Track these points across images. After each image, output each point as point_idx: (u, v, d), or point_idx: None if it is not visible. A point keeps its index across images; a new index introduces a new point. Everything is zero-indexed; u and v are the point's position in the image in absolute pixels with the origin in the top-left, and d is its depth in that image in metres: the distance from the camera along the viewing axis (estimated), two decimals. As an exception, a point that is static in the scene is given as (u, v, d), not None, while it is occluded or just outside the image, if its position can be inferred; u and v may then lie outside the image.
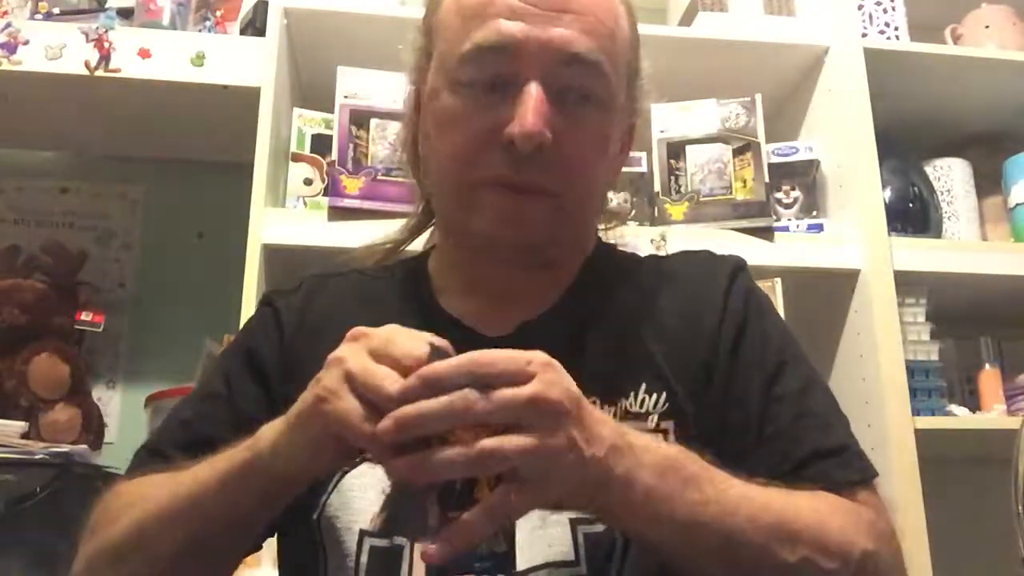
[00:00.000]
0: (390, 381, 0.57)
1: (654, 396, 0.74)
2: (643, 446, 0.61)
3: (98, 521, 0.73)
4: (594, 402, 0.72)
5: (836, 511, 0.68)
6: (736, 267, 0.82)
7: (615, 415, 0.73)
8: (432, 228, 0.91)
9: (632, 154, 1.55)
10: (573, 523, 0.69)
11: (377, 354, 0.59)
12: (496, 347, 0.71)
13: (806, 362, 0.79)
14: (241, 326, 0.92)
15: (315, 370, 0.63)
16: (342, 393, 0.58)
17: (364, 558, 0.70)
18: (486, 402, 0.55)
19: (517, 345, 0.69)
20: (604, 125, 0.76)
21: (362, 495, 0.71)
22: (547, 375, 0.57)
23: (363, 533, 0.71)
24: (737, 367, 0.76)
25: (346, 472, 0.73)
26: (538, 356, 0.58)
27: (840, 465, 0.73)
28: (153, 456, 0.78)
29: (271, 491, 0.66)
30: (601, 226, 0.91)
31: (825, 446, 0.73)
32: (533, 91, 0.71)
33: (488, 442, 0.54)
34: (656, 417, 0.73)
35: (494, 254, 0.79)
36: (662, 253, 0.98)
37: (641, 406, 0.73)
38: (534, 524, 0.69)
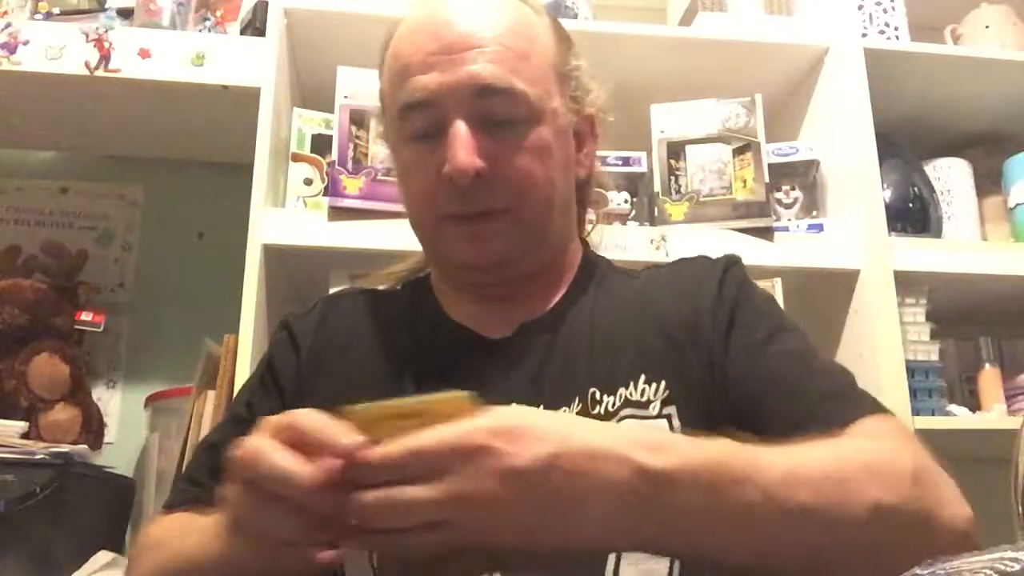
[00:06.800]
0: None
1: (653, 385, 0.77)
2: (681, 463, 0.57)
3: (135, 558, 0.79)
4: (593, 394, 0.77)
5: (880, 439, 0.69)
6: (730, 260, 0.87)
7: (615, 404, 0.76)
8: None
9: (632, 154, 1.56)
10: (617, 559, 0.71)
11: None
12: (499, 347, 0.82)
13: (805, 337, 0.81)
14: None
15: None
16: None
17: None
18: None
19: (517, 344, 0.81)
20: (537, 136, 0.81)
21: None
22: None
23: None
24: (731, 340, 0.78)
25: None
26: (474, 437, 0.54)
27: (851, 403, 0.73)
28: (187, 484, 0.85)
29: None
30: (590, 220, 0.97)
31: (833, 389, 0.74)
32: (456, 130, 0.78)
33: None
34: (658, 404, 0.76)
35: (470, 280, 0.85)
36: (663, 257, 1.03)
37: (642, 395, 0.77)
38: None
